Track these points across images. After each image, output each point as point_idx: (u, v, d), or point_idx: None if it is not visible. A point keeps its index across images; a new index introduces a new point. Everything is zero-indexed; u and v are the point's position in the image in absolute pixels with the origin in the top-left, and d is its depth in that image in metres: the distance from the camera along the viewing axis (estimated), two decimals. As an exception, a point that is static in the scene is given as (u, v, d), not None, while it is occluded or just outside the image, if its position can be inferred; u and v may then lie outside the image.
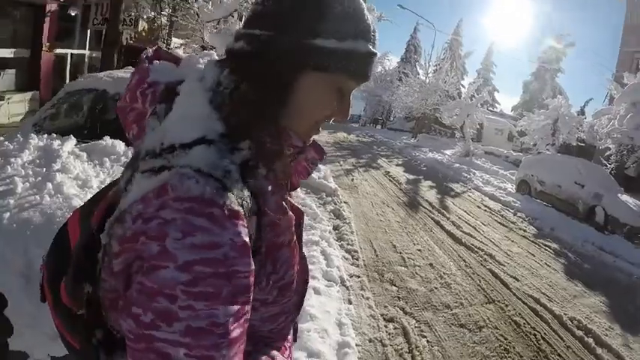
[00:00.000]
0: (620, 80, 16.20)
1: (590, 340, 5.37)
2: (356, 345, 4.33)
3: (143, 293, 0.65)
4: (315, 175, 11.41)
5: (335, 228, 7.97)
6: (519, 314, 5.75)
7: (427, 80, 35.48)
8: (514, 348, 4.92)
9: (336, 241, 7.33)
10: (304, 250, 1.09)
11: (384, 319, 5.12)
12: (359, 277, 6.13)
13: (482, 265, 7.41)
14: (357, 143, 26.96)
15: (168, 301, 0.63)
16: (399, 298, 5.71)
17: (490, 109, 45.17)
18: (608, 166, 16.45)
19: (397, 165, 19.25)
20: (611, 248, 9.98)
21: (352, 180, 13.40)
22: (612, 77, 20.15)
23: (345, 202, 10.11)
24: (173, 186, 0.69)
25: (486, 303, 5.95)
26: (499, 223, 10.98)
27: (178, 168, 0.72)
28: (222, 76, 0.87)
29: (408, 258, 7.21)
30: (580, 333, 5.51)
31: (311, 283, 4.74)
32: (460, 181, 16.93)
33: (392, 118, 50.67)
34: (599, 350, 5.19)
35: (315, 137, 1.02)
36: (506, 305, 5.95)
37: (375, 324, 4.96)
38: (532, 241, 9.67)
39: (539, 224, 11.34)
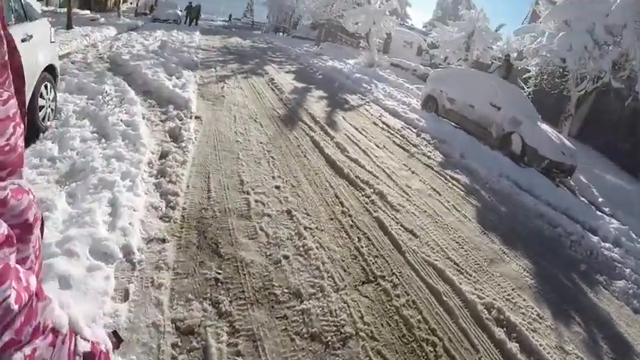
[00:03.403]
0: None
1: (514, 346, 3.54)
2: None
3: None
4: (170, 82, 9.14)
5: (162, 156, 5.48)
6: (412, 303, 3.71)
7: (334, -16, 32.21)
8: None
9: (153, 177, 4.87)
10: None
11: (178, 330, 2.82)
12: (164, 241, 3.71)
13: (367, 210, 5.30)
14: (250, 49, 23.51)
15: None
16: (217, 281, 3.37)
17: (401, 23, 43.34)
18: (526, 89, 15.02)
19: (288, 72, 16.53)
20: (529, 185, 8.46)
21: (222, 88, 10.61)
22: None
23: (196, 118, 7.53)
24: None
25: (363, 283, 3.82)
26: (398, 145, 8.97)
27: None
28: None
29: (257, 202, 4.86)
30: (500, 334, 3.65)
31: (66, 264, 2.91)
32: (358, 92, 14.71)
33: (298, 27, 47.35)
34: (525, 364, 3.35)
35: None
36: (395, 286, 3.87)
37: (152, 344, 2.66)
38: (437, 172, 7.77)
39: (447, 149, 9.50)
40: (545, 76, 14.40)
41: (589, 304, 4.85)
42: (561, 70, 13.28)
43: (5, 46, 0.95)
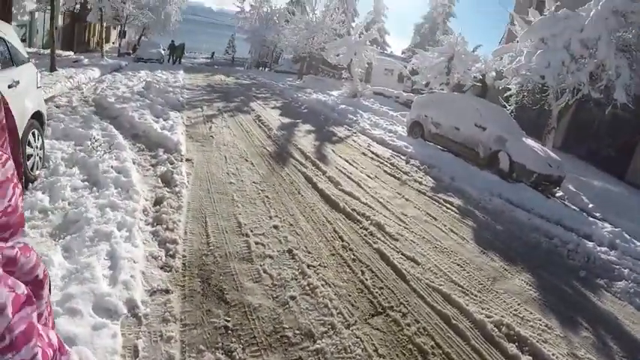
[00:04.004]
0: (524, 18, 14.83)
1: (528, 360, 3.59)
2: None
3: None
4: (157, 125, 9.11)
5: (156, 203, 5.45)
6: (423, 330, 3.76)
7: (314, 18, 32.85)
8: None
9: (149, 226, 4.81)
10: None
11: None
12: (167, 291, 3.66)
13: (367, 242, 5.36)
14: (234, 86, 23.82)
15: None
16: (227, 329, 3.34)
17: (381, 51, 44.02)
18: (508, 107, 15.29)
19: (273, 108, 16.72)
20: (521, 200, 8.62)
21: (210, 128, 10.74)
22: (510, 18, 19.15)
23: (187, 160, 7.56)
24: None
25: (373, 316, 3.85)
26: (389, 174, 9.10)
27: None
28: None
29: (257, 244, 4.86)
30: (513, 349, 3.72)
31: (69, 324, 2.84)
32: (344, 123, 14.92)
33: (280, 61, 47.91)
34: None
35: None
36: (404, 315, 3.92)
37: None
38: (430, 197, 7.88)
39: (437, 174, 9.67)
40: (525, 93, 14.61)
41: (593, 308, 4.98)
42: (541, 85, 13.51)
43: (2, 109, 0.97)
